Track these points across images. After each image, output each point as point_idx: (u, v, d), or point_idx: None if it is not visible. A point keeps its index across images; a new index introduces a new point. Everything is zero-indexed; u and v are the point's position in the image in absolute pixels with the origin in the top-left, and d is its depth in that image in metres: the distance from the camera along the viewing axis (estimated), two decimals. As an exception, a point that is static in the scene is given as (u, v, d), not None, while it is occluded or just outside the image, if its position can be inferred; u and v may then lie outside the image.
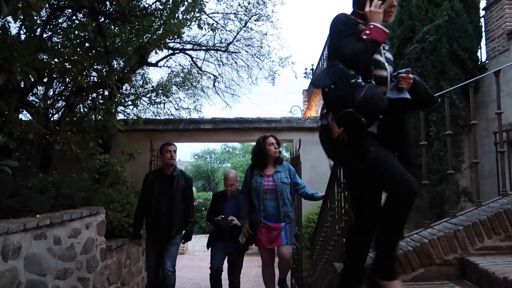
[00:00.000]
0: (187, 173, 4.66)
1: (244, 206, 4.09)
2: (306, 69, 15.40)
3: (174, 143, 4.60)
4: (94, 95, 5.53)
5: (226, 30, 8.36)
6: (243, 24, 8.28)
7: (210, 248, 4.69)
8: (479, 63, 6.62)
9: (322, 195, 3.97)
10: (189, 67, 9.08)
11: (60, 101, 5.34)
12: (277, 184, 3.98)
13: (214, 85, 9.49)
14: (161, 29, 5.15)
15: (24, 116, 5.27)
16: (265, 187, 3.98)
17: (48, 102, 5.21)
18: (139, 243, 4.67)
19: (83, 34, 5.34)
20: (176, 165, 4.51)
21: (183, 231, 4.45)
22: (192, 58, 8.76)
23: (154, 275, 4.32)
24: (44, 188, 3.63)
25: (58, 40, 5.50)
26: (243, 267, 4.69)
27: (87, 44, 5.27)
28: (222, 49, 8.56)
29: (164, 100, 8.83)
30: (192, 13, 5.29)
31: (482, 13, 6.65)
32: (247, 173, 4.20)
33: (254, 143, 4.44)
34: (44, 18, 5.13)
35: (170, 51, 8.22)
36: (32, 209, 3.27)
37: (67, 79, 5.00)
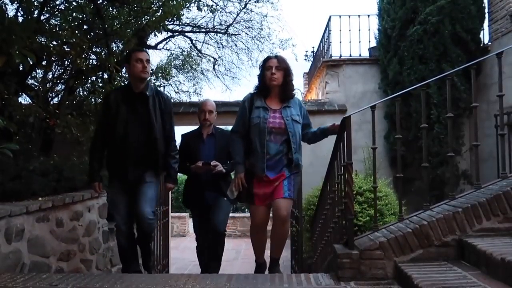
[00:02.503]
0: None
1: (239, 149, 3.00)
2: (306, 51, 15.25)
3: (147, 50, 3.52)
4: (94, 78, 5.50)
5: (226, 12, 8.27)
6: (243, 6, 8.18)
7: (190, 212, 3.82)
8: (482, 45, 6.56)
9: (330, 126, 3.06)
10: (188, 49, 9.01)
11: (59, 84, 5.32)
12: (286, 122, 2.95)
13: (214, 68, 9.44)
14: (160, 10, 5.09)
15: (24, 99, 5.25)
16: (270, 124, 2.94)
17: (48, 85, 5.18)
18: (97, 188, 3.18)
19: (81, 16, 5.27)
20: (150, 82, 3.30)
21: (163, 172, 3.30)
22: (191, 40, 8.68)
23: (127, 227, 3.11)
24: (46, 171, 3.64)
25: (56, 23, 5.43)
26: (243, 248, 4.63)
27: (85, 27, 5.21)
28: (222, 31, 8.47)
29: (164, 83, 8.80)
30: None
31: (485, -7, 6.55)
32: (244, 105, 3.04)
33: None
34: (42, 0, 5.06)
35: (170, 34, 8.14)
36: (34, 192, 3.30)
37: (66, 62, 4.97)
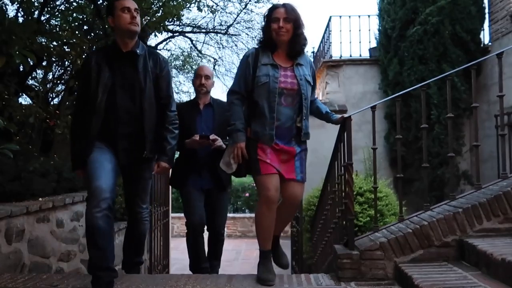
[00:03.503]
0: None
1: (239, 114, 2.47)
2: (306, 51, 15.27)
3: None
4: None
5: (226, 13, 8.28)
6: (243, 6, 8.19)
7: (180, 190, 3.26)
8: (482, 45, 6.56)
9: (340, 117, 2.71)
10: (189, 50, 9.02)
11: (59, 85, 5.32)
12: (300, 82, 2.45)
13: (214, 68, 9.45)
14: (160, 11, 5.09)
15: (24, 100, 5.25)
16: (281, 84, 2.43)
17: (48, 85, 5.18)
18: (81, 174, 2.54)
19: (81, 16, 5.28)
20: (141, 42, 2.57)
21: (156, 153, 2.58)
22: (192, 41, 8.70)
23: (111, 202, 2.35)
24: (46, 171, 3.64)
25: (56, 23, 5.44)
26: (243, 249, 4.56)
27: (85, 27, 5.22)
28: (222, 31, 8.48)
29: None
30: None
31: (485, -6, 6.56)
32: (247, 60, 2.51)
33: None
34: (42, 1, 5.06)
35: (170, 34, 8.15)
36: (34, 193, 3.29)
37: (66, 62, 4.97)
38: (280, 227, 2.70)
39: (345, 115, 2.66)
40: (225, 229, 3.52)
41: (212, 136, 3.02)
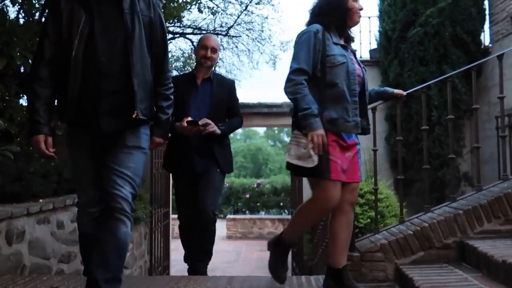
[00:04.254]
0: None
1: (309, 96, 2.02)
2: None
3: None
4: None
5: (227, 14, 8.29)
6: (243, 8, 8.19)
7: (173, 176, 2.91)
8: (482, 46, 6.56)
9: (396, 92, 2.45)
10: (189, 51, 9.02)
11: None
12: (363, 70, 2.23)
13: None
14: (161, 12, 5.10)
15: (25, 101, 5.25)
16: (356, 71, 2.16)
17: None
18: (42, 145, 1.91)
19: (82, 18, 5.28)
20: None
21: (149, 120, 2.03)
22: (192, 42, 8.69)
23: (95, 209, 1.99)
24: (47, 173, 3.64)
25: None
26: (243, 250, 4.51)
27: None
28: (223, 33, 8.49)
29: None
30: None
31: (486, -5, 6.56)
32: (317, 36, 2.10)
33: (255, 128, 4.20)
34: (43, 2, 5.07)
35: (171, 35, 8.16)
36: (35, 194, 3.29)
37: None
38: (344, 250, 2.18)
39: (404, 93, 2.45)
40: (217, 213, 2.93)
41: (202, 121, 2.63)
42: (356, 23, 2.22)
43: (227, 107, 2.89)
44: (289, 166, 2.06)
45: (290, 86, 2.06)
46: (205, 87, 2.85)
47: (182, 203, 2.95)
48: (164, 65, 2.06)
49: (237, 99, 3.01)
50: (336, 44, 2.15)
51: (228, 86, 2.94)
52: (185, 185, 2.88)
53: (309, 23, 2.21)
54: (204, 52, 2.83)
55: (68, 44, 1.86)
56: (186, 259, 3.05)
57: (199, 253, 2.86)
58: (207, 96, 2.82)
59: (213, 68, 2.93)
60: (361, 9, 2.21)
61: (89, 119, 1.88)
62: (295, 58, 2.11)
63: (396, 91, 2.45)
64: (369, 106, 2.59)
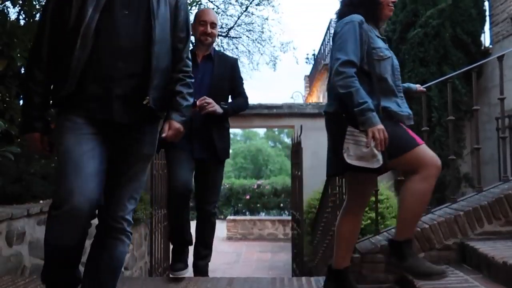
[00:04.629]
0: None
1: (361, 90, 1.86)
2: (307, 54, 15.29)
3: None
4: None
5: (227, 15, 8.30)
6: (244, 9, 8.20)
7: (166, 153, 2.62)
8: (483, 47, 6.57)
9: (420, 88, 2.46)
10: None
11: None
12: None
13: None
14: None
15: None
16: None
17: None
18: (38, 143, 1.64)
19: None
20: None
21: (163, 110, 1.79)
22: (192, 44, 8.73)
23: (90, 208, 1.55)
24: (47, 174, 3.65)
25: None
26: (244, 251, 4.49)
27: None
28: (223, 34, 8.49)
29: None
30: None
31: (486, -4, 6.57)
32: (362, 27, 1.97)
33: (255, 129, 4.22)
34: (43, 3, 5.07)
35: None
36: (35, 195, 3.30)
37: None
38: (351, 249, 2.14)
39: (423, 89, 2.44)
40: (217, 209, 2.90)
41: (200, 101, 2.41)
42: (387, 16, 2.12)
43: (230, 86, 2.70)
44: (350, 167, 1.88)
45: (341, 79, 1.88)
46: (205, 65, 2.65)
47: (176, 175, 2.51)
48: (186, 51, 1.83)
49: (241, 78, 2.80)
50: (378, 37, 2.07)
51: (231, 64, 2.73)
52: (182, 159, 2.52)
53: (340, 13, 2.07)
54: (204, 28, 2.61)
55: (80, 10, 1.56)
56: (174, 241, 2.74)
57: (200, 246, 2.72)
58: (208, 75, 2.61)
59: (213, 45, 2.75)
60: (394, 1, 2.07)
61: (95, 104, 1.55)
62: (341, 49, 1.93)
63: (419, 88, 2.43)
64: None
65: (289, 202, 10.61)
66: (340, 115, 1.93)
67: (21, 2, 3.97)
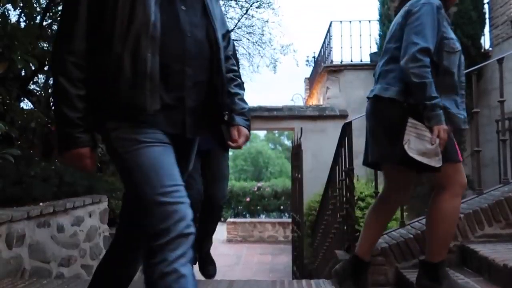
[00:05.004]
0: None
1: (433, 83, 1.76)
2: (308, 56, 15.33)
3: None
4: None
5: (228, 18, 8.31)
6: (244, 11, 8.22)
7: None
8: (483, 50, 6.57)
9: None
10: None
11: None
12: None
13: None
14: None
15: (26, 104, 5.27)
16: None
17: (49, 90, 5.20)
18: (87, 160, 1.30)
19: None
20: None
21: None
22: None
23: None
24: (47, 176, 3.65)
25: (58, 28, 5.46)
26: (244, 254, 4.50)
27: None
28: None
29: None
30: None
31: (486, -1, 6.58)
32: (440, 12, 1.83)
33: (255, 132, 4.21)
34: (44, 6, 5.09)
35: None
36: (35, 197, 3.29)
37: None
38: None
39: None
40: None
41: None
42: (453, 2, 2.00)
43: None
44: (407, 160, 1.76)
45: (417, 68, 1.73)
46: None
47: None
48: (230, 48, 1.61)
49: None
50: (449, 26, 1.90)
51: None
52: (193, 169, 2.20)
53: None
54: None
55: (136, 5, 1.26)
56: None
57: (202, 234, 2.58)
58: None
59: None
60: None
61: (165, 117, 1.30)
62: (420, 32, 1.76)
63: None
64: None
65: (289, 205, 10.60)
66: (399, 103, 1.80)
67: (21, 4, 3.98)
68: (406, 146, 1.75)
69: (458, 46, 1.89)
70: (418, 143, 1.75)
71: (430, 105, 1.73)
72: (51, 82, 5.32)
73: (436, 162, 1.74)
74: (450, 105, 1.87)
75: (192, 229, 1.17)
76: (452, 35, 1.89)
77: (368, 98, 2.01)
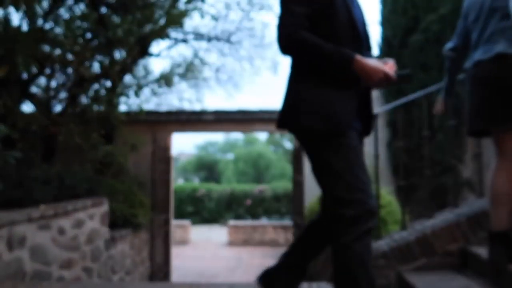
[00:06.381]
0: None
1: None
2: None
3: None
4: (97, 86, 5.54)
5: (228, 20, 8.33)
6: (245, 14, 8.24)
7: (334, 140, 1.54)
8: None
9: None
10: (191, 57, 9.06)
11: (62, 93, 5.35)
12: None
13: (216, 76, 9.48)
14: (163, 19, 5.14)
15: (27, 107, 5.28)
16: None
17: (51, 93, 5.21)
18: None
19: (84, 25, 5.32)
20: None
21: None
22: (194, 48, 8.74)
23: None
24: (48, 179, 3.65)
25: (60, 31, 5.48)
26: (245, 258, 4.56)
27: (88, 35, 5.26)
28: (224, 39, 8.53)
29: (166, 91, 8.83)
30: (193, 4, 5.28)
31: (487, 2, 6.60)
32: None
33: (256, 134, 4.27)
34: (46, 9, 5.11)
35: (173, 42, 8.22)
36: (36, 200, 3.30)
37: (69, 70, 5.00)
38: None
39: None
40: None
41: (390, 65, 1.68)
42: None
43: None
44: None
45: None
46: None
47: (360, 187, 1.53)
48: None
49: None
50: None
51: None
52: (361, 157, 1.56)
53: None
54: None
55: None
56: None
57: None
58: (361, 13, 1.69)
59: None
60: None
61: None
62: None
63: None
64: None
65: (290, 208, 10.58)
66: None
67: (23, 8, 4.00)
68: None
69: None
70: None
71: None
72: (52, 85, 5.34)
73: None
74: None
75: None
76: None
77: (479, 61, 1.89)
